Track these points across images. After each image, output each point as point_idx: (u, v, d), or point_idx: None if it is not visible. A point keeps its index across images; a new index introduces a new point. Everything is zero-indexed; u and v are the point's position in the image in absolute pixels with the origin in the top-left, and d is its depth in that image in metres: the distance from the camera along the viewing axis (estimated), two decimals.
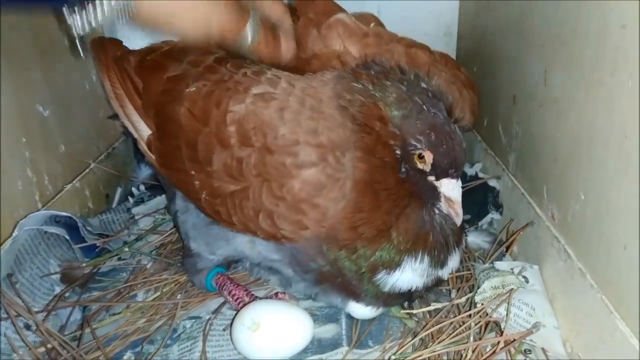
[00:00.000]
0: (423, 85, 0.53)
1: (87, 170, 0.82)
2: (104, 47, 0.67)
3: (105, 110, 0.87)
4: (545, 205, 0.60)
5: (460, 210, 0.53)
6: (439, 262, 0.55)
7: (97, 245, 0.72)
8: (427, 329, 0.56)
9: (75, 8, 0.45)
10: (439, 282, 0.58)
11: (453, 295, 0.62)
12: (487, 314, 0.55)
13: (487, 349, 0.53)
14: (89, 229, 0.71)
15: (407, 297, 0.58)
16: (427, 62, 0.61)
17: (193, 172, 0.55)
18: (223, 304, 0.65)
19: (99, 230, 0.75)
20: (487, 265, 0.62)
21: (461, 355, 0.53)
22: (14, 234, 0.63)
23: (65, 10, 0.45)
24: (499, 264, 0.61)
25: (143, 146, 0.62)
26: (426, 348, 0.54)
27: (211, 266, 0.65)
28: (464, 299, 0.60)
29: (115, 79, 0.63)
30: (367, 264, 0.54)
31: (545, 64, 0.59)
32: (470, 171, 0.82)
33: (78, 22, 0.46)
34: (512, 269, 0.59)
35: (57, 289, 0.66)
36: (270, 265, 0.60)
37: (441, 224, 0.55)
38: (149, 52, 0.64)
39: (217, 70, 0.56)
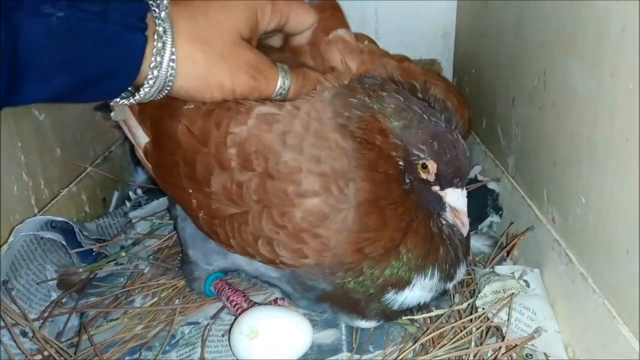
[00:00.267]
0: (419, 95, 0.52)
1: (84, 174, 0.81)
2: None
3: (101, 113, 0.86)
4: (546, 208, 0.60)
5: (466, 220, 0.52)
6: (449, 276, 0.54)
7: (94, 250, 0.72)
8: (428, 334, 0.55)
9: (124, 95, 0.48)
10: (444, 292, 0.57)
11: (454, 300, 0.62)
12: (488, 319, 0.54)
13: (488, 354, 0.53)
14: (85, 233, 0.70)
15: (414, 310, 0.57)
16: (422, 73, 0.60)
17: (191, 191, 0.54)
18: (221, 309, 0.64)
19: (96, 234, 0.74)
20: (487, 269, 0.62)
21: None
22: (9, 240, 0.62)
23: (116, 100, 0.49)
24: (499, 268, 0.60)
25: (140, 153, 0.60)
26: (427, 353, 0.53)
27: (207, 274, 0.64)
28: (465, 304, 0.59)
29: None
30: (375, 285, 0.52)
31: (545, 65, 0.59)
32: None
33: (119, 105, 0.50)
34: (512, 273, 0.59)
35: (54, 295, 0.66)
36: (269, 281, 0.60)
37: (450, 236, 0.54)
38: None
39: None
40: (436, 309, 0.60)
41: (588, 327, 0.50)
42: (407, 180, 0.51)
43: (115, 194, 0.90)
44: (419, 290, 0.54)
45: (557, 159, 0.57)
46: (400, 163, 0.50)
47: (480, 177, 0.80)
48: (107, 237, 0.77)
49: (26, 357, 0.56)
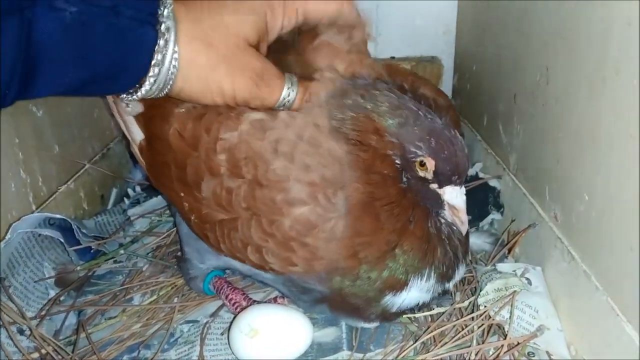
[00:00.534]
0: (409, 95, 0.52)
1: (82, 171, 0.80)
2: None
3: (99, 110, 0.86)
4: (548, 206, 0.59)
5: (465, 218, 0.51)
6: (447, 277, 0.54)
7: (92, 247, 0.71)
8: (429, 333, 0.55)
9: (128, 90, 0.48)
10: (444, 292, 0.57)
11: (455, 298, 0.61)
12: (490, 317, 0.54)
13: (490, 353, 0.52)
14: (84, 231, 0.70)
15: (415, 309, 0.57)
16: (409, 73, 0.60)
17: (182, 194, 0.53)
18: (221, 307, 0.64)
19: (94, 232, 0.74)
20: (489, 267, 0.62)
21: (464, 359, 0.52)
22: (7, 237, 0.61)
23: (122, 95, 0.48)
24: (501, 266, 0.60)
25: (135, 149, 0.60)
26: (428, 352, 0.53)
27: (204, 273, 0.64)
28: (466, 302, 0.59)
29: None
30: (373, 288, 0.52)
31: (547, 62, 0.58)
32: (470, 171, 0.81)
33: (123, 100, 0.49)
34: (514, 271, 0.59)
35: (52, 293, 0.65)
36: (263, 281, 0.59)
37: (449, 235, 0.53)
38: None
39: None
40: (437, 307, 0.59)
41: (591, 325, 0.50)
42: (405, 179, 0.50)
43: (114, 191, 0.90)
44: (416, 292, 0.53)
45: (560, 156, 0.56)
46: (397, 162, 0.49)
47: (481, 175, 0.80)
48: (106, 234, 0.77)
49: (23, 355, 0.55)
